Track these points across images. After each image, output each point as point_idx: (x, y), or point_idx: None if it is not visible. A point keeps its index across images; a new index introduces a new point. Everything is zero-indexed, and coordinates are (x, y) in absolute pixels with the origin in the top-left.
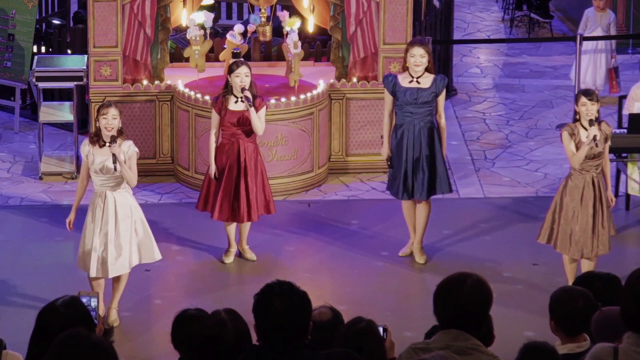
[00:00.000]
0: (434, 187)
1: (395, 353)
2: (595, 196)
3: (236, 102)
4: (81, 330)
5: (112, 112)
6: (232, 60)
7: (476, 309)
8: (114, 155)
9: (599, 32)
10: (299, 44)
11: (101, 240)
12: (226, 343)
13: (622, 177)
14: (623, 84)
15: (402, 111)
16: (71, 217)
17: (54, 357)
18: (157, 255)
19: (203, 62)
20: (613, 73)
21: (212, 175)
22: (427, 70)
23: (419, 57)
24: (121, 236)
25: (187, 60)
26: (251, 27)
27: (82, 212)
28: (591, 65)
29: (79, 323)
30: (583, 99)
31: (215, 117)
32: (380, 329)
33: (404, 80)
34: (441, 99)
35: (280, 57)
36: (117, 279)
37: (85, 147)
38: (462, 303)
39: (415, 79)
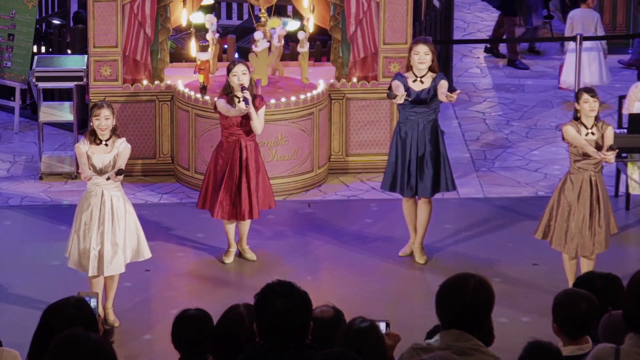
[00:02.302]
0: (438, 185)
1: (396, 353)
2: (593, 195)
3: (239, 101)
4: (80, 331)
5: (105, 112)
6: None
7: (478, 310)
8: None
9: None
10: (264, 42)
11: (98, 239)
12: (242, 338)
13: (622, 177)
14: (623, 83)
15: (406, 110)
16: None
17: (54, 357)
18: (147, 254)
19: (214, 63)
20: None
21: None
22: (431, 69)
23: (423, 54)
24: (117, 235)
25: (187, 60)
26: (282, 31)
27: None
28: (587, 63)
29: (83, 324)
30: (585, 96)
31: (225, 103)
32: (383, 324)
33: (408, 80)
34: (440, 85)
35: (281, 57)
36: (110, 278)
37: (85, 146)
38: (465, 303)
39: (419, 78)
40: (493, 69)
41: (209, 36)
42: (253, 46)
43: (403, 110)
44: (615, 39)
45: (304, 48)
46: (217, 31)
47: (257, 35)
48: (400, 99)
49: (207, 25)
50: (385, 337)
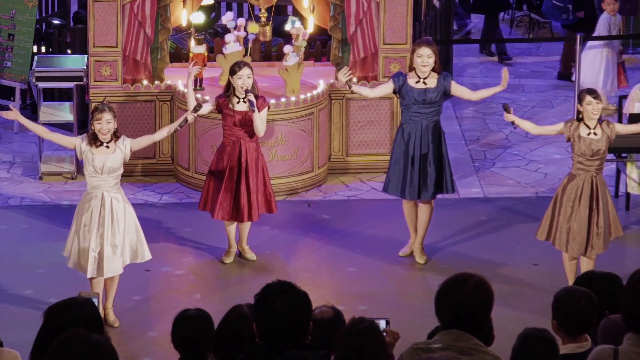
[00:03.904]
0: (440, 187)
1: (396, 352)
2: (593, 196)
3: (238, 102)
4: (81, 331)
5: (106, 116)
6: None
7: (478, 310)
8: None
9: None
10: (235, 45)
11: (97, 241)
12: (246, 338)
13: (623, 177)
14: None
15: (409, 111)
16: (19, 115)
17: (55, 358)
18: (147, 255)
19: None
20: (621, 67)
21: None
22: (433, 70)
23: (426, 57)
24: (117, 236)
25: (187, 60)
26: (293, 31)
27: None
28: (603, 68)
29: (88, 324)
30: (588, 98)
31: (210, 105)
32: (383, 322)
33: (410, 81)
34: (456, 86)
35: (280, 57)
36: (110, 279)
37: (83, 145)
38: (464, 303)
39: (422, 80)
40: (493, 69)
41: (231, 36)
42: (223, 48)
43: (407, 111)
44: (615, 39)
45: (288, 62)
46: (217, 30)
47: (228, 37)
48: (343, 75)
49: (225, 22)
50: (385, 336)
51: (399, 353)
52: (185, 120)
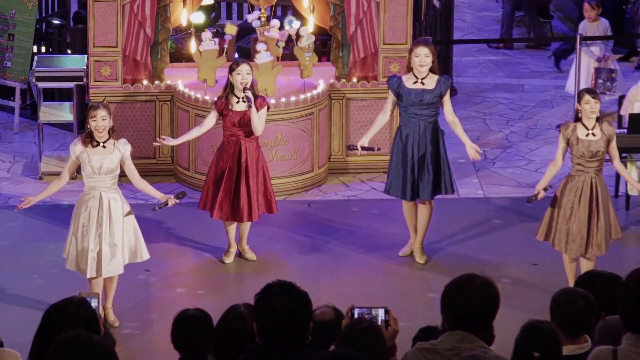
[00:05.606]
0: (438, 187)
1: (399, 354)
2: (592, 197)
3: (237, 102)
4: (81, 332)
5: (101, 113)
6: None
7: (484, 310)
8: None
9: (595, 43)
10: (210, 43)
11: (96, 240)
12: (243, 338)
13: (622, 177)
14: (621, 85)
15: (407, 112)
16: (31, 199)
17: (55, 358)
18: (146, 255)
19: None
20: (595, 72)
21: (160, 140)
22: (431, 71)
23: (423, 56)
24: (115, 236)
25: (187, 60)
26: (291, 31)
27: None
28: (584, 72)
29: (85, 324)
30: (587, 97)
31: (212, 117)
32: (382, 310)
33: (408, 82)
34: (446, 99)
35: (283, 57)
36: (109, 279)
37: (77, 147)
38: (470, 303)
39: (419, 80)
40: (493, 69)
41: (207, 34)
42: (199, 46)
43: (405, 112)
44: (614, 39)
45: (258, 60)
46: (217, 30)
47: (205, 35)
48: (357, 149)
49: (250, 21)
50: (391, 323)
51: (403, 351)
52: (166, 203)
